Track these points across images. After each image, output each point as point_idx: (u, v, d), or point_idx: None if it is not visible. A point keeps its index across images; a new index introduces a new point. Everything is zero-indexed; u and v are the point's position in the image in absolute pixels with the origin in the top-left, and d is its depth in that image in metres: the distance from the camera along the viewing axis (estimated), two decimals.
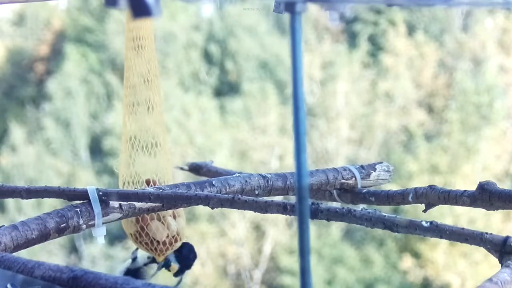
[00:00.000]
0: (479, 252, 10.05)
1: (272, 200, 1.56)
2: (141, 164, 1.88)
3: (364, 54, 13.25)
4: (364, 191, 1.88)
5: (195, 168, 2.28)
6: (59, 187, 1.66)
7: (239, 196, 1.57)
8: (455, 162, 11.67)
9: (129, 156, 1.88)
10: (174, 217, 1.90)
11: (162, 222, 1.88)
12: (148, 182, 1.87)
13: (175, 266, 1.93)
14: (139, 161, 1.88)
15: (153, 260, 1.94)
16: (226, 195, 1.62)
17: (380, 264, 11.26)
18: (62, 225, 1.57)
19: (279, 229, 11.70)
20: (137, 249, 1.94)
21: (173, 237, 1.90)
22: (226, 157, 11.80)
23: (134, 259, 1.96)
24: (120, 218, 1.69)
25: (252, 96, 12.83)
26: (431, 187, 1.71)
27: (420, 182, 10.57)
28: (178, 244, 1.92)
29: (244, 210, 1.56)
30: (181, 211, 1.90)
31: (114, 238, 10.62)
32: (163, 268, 1.95)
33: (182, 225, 1.92)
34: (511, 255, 1.34)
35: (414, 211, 8.07)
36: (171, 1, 9.96)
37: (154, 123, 1.90)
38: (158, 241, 1.89)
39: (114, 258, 11.44)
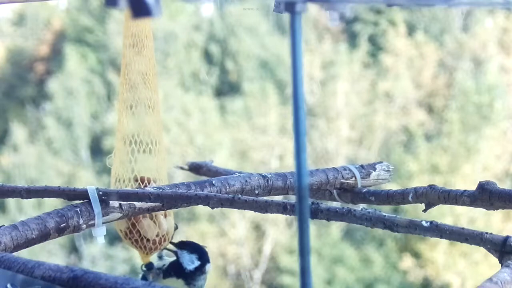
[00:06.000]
0: (479, 252, 10.05)
1: (272, 200, 1.56)
2: (136, 162, 1.88)
3: (364, 54, 13.25)
4: (364, 190, 1.88)
5: (195, 168, 2.28)
6: (59, 187, 1.66)
7: (239, 196, 1.57)
8: (455, 162, 11.67)
9: (124, 153, 1.88)
10: (165, 216, 1.90)
11: (154, 221, 1.88)
12: (142, 180, 1.86)
13: (155, 273, 1.92)
14: (134, 158, 1.88)
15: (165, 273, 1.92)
16: (226, 195, 1.62)
17: (380, 264, 11.26)
18: (62, 225, 1.57)
19: (279, 229, 11.70)
20: (162, 249, 1.93)
21: (162, 236, 1.89)
22: (226, 157, 11.80)
23: (161, 257, 1.95)
24: (120, 218, 1.69)
25: (252, 96, 12.83)
26: (431, 187, 1.71)
27: (420, 182, 10.56)
28: (166, 243, 1.91)
29: (244, 210, 1.56)
30: (170, 210, 1.89)
31: (114, 238, 10.61)
32: (146, 271, 1.93)
33: (171, 224, 1.92)
34: (511, 255, 1.34)
35: (414, 211, 8.07)
36: (171, 1, 9.95)
37: (151, 121, 1.90)
38: (148, 239, 1.88)
39: (114, 258, 11.44)
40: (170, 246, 1.92)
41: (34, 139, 13.17)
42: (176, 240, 1.94)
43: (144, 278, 1.92)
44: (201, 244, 1.97)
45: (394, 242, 11.31)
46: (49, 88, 13.47)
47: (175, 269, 1.90)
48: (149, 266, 1.91)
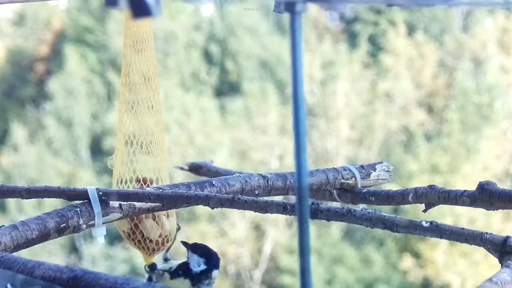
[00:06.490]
0: (479, 252, 10.05)
1: (272, 200, 1.56)
2: (138, 162, 1.88)
3: (364, 54, 13.25)
4: (364, 191, 1.88)
5: (195, 168, 2.28)
6: (59, 187, 1.66)
7: (239, 196, 1.58)
8: (455, 162, 11.67)
9: (125, 154, 1.88)
10: (167, 217, 1.90)
11: (157, 222, 1.88)
12: (144, 181, 1.87)
13: (158, 274, 1.92)
14: (136, 159, 1.88)
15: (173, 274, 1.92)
16: (226, 195, 1.63)
17: (380, 264, 11.25)
18: (62, 225, 1.57)
19: (279, 229, 11.70)
20: (167, 250, 1.93)
21: (165, 236, 1.89)
22: (226, 157, 11.80)
23: (166, 260, 1.95)
24: (120, 218, 1.69)
25: (252, 96, 12.83)
26: (431, 187, 1.72)
27: (420, 182, 10.56)
28: (169, 244, 1.91)
29: (244, 210, 1.56)
30: (172, 211, 1.89)
31: (114, 238, 10.62)
32: (149, 271, 1.93)
33: (173, 224, 1.92)
34: (511, 255, 1.34)
35: (414, 211, 8.07)
36: (171, 1, 9.95)
37: (152, 121, 1.90)
38: (151, 240, 1.88)
39: (114, 258, 11.44)
40: (183, 245, 1.91)
41: (34, 139, 13.16)
42: (177, 240, 1.95)
43: (150, 279, 1.92)
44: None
45: (394, 242, 11.31)
46: (49, 88, 13.47)
47: (183, 270, 1.90)
48: (152, 266, 1.91)
